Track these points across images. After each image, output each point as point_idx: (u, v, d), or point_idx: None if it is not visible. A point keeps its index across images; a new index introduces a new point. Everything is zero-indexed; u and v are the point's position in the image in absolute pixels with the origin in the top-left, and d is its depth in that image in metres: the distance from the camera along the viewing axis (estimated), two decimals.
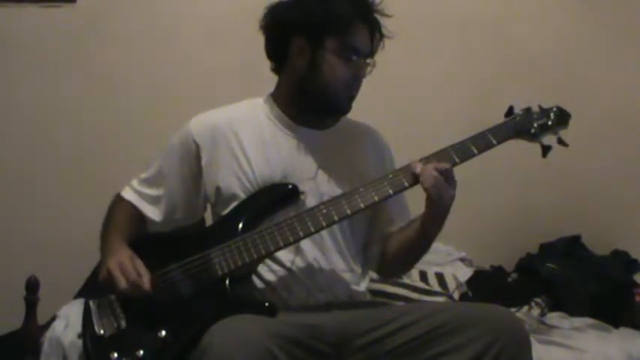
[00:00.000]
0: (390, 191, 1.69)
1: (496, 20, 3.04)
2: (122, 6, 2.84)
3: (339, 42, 1.77)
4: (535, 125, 1.79)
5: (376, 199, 1.69)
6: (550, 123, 1.80)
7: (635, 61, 3.08)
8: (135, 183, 1.89)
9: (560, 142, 1.80)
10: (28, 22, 2.79)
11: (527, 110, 1.81)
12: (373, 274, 2.13)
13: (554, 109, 1.82)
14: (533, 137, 1.80)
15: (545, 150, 1.78)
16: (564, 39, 3.07)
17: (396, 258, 1.87)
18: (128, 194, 1.88)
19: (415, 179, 1.68)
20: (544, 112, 1.82)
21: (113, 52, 2.83)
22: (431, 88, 3.00)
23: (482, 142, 1.74)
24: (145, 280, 1.66)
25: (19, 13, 2.78)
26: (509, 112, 1.81)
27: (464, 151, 1.73)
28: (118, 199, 1.88)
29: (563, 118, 1.81)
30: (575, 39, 3.07)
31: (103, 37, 2.82)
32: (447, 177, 1.66)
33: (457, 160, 1.72)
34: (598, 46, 3.07)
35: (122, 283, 1.66)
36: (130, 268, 1.67)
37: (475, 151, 1.73)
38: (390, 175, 1.71)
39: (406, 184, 1.69)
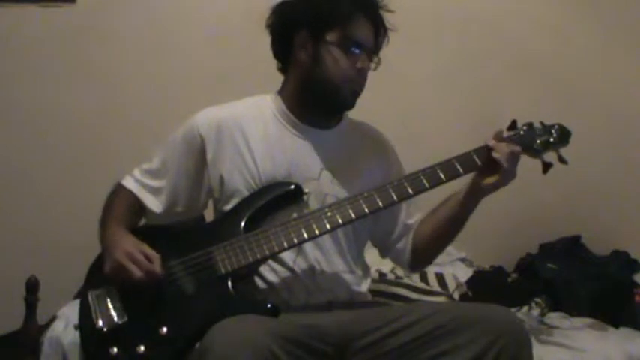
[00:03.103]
0: (395, 197, 1.71)
1: (496, 20, 3.04)
2: (122, 6, 2.84)
3: (340, 35, 1.78)
4: (537, 142, 1.80)
5: (380, 204, 1.71)
6: (552, 140, 1.81)
7: (635, 61, 3.09)
8: (136, 173, 1.88)
9: (561, 159, 1.81)
10: (28, 22, 2.79)
11: (530, 126, 1.82)
12: (375, 275, 2.14)
13: (556, 127, 1.83)
14: (535, 153, 1.81)
15: (547, 167, 1.80)
16: (564, 39, 3.07)
17: (429, 244, 1.89)
18: (129, 183, 1.87)
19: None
20: (546, 128, 1.82)
21: (113, 52, 2.83)
22: (431, 87, 3.00)
23: (486, 154, 1.75)
24: (157, 265, 1.66)
25: (19, 13, 2.77)
26: (513, 126, 1.81)
27: (468, 162, 1.75)
28: (119, 188, 1.87)
29: (564, 135, 1.82)
30: (575, 39, 3.07)
31: (102, 37, 2.82)
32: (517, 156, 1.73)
33: (461, 171, 1.73)
34: (598, 46, 3.07)
35: (136, 273, 1.65)
36: (139, 256, 1.66)
37: (479, 162, 1.75)
38: (396, 182, 1.73)
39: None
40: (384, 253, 1.99)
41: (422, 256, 1.94)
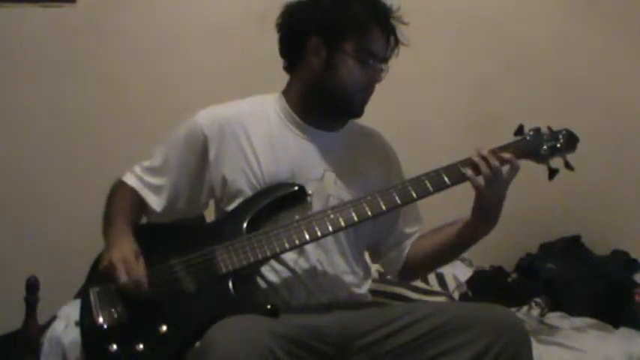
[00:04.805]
0: (398, 201, 1.71)
1: (496, 20, 3.04)
2: (122, 6, 2.84)
3: (357, 45, 1.77)
4: (544, 147, 1.79)
5: (384, 207, 1.70)
6: (559, 146, 1.79)
7: (636, 61, 3.09)
8: (138, 170, 1.87)
9: (568, 166, 1.80)
10: (28, 22, 2.79)
11: (537, 131, 1.81)
12: (375, 275, 2.13)
13: (563, 132, 1.81)
14: (541, 159, 1.79)
15: (553, 173, 1.78)
16: (564, 39, 3.07)
17: (425, 259, 1.89)
18: (131, 180, 1.86)
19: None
20: (553, 134, 1.81)
21: (113, 52, 2.83)
22: (430, 88, 3.00)
23: None
24: (144, 282, 1.66)
25: (19, 13, 2.77)
26: (519, 131, 1.80)
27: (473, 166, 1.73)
28: (120, 184, 1.87)
29: (571, 141, 1.81)
30: (576, 39, 3.07)
31: (103, 37, 2.82)
32: (513, 169, 1.70)
33: (466, 174, 1.72)
34: (598, 46, 3.07)
35: (123, 278, 1.65)
36: (133, 266, 1.66)
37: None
38: (400, 186, 1.72)
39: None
40: (374, 259, 1.97)
41: (414, 270, 1.93)
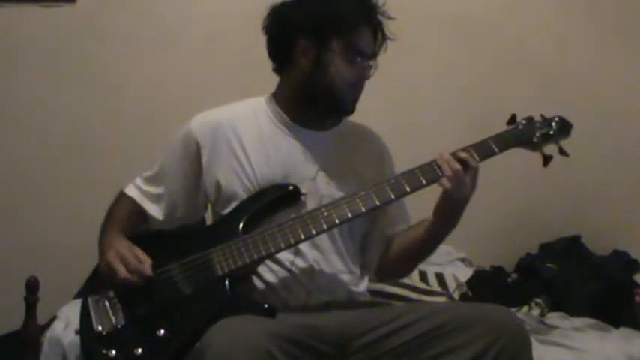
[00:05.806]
0: (392, 196, 1.70)
1: (496, 20, 3.04)
2: (122, 6, 2.84)
3: (344, 43, 1.77)
4: (537, 135, 1.78)
5: (377, 203, 1.69)
6: (552, 133, 1.79)
7: (635, 61, 3.09)
8: (138, 181, 1.89)
9: (562, 152, 1.80)
10: (28, 22, 2.79)
11: (530, 119, 1.81)
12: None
13: (556, 119, 1.81)
14: (535, 147, 1.79)
15: (547, 160, 1.78)
16: (564, 38, 3.07)
17: (397, 259, 1.87)
18: (131, 191, 1.88)
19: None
20: (546, 121, 1.81)
21: (113, 52, 2.83)
22: (429, 88, 3.00)
23: (485, 150, 1.74)
24: (146, 266, 1.69)
25: (19, 13, 2.78)
26: (512, 120, 1.80)
27: None
28: (121, 196, 1.89)
29: (564, 128, 1.81)
30: (575, 38, 3.08)
31: (103, 37, 2.82)
32: (470, 171, 1.68)
33: None
34: (597, 46, 3.07)
35: (122, 272, 1.67)
36: (129, 257, 1.69)
37: (477, 158, 1.73)
38: (393, 180, 1.71)
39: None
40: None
41: (389, 269, 1.90)
